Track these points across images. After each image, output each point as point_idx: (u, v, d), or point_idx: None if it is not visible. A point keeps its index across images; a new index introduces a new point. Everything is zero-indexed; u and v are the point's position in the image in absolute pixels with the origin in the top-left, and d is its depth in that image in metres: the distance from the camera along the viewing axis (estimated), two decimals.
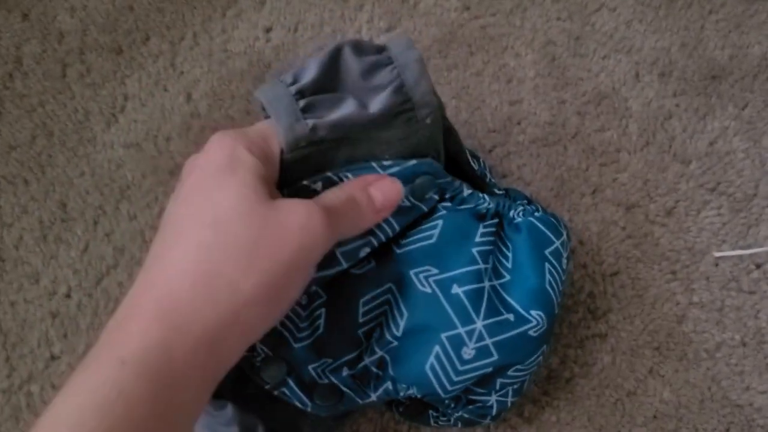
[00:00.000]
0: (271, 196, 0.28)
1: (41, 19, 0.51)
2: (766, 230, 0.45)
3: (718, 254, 0.44)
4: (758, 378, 0.42)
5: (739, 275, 0.44)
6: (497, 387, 0.35)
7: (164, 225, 0.29)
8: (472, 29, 0.51)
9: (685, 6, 0.51)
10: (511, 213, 0.36)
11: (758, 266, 0.44)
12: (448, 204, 0.34)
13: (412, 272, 0.33)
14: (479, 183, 0.37)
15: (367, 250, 0.32)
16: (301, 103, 0.30)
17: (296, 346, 0.32)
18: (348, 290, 0.33)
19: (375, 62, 0.31)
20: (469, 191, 0.35)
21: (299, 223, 0.27)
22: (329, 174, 0.31)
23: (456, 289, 0.33)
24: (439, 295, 0.33)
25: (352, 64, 0.31)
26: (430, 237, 0.34)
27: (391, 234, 0.33)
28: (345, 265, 0.32)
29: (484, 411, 0.36)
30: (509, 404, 0.36)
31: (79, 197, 0.46)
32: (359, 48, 0.31)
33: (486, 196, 0.35)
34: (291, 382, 0.32)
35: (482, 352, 0.33)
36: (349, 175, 0.31)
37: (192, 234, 0.27)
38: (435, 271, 0.33)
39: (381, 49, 0.31)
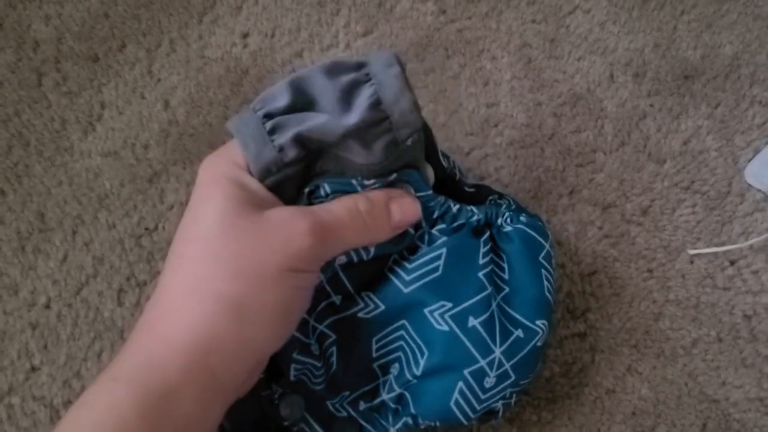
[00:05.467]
0: (262, 204, 0.28)
1: (15, 27, 0.51)
2: (740, 227, 0.45)
3: (693, 252, 0.45)
4: (734, 373, 0.42)
5: (714, 272, 0.45)
6: (507, 395, 0.35)
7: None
8: (449, 33, 0.51)
9: (657, 7, 0.52)
10: (499, 221, 0.35)
11: (732, 263, 0.45)
12: (443, 225, 0.34)
13: (426, 311, 0.33)
14: (449, 181, 0.37)
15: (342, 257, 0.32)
16: (269, 125, 0.28)
17: (313, 388, 0.33)
18: (358, 331, 0.33)
19: (352, 81, 0.29)
20: (457, 206, 0.34)
21: (284, 232, 0.27)
22: (308, 188, 0.30)
23: (472, 322, 0.33)
24: (458, 332, 0.33)
25: (326, 86, 0.29)
26: (435, 269, 0.33)
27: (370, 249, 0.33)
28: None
29: (489, 416, 0.37)
30: (512, 404, 0.37)
31: (57, 207, 0.46)
32: (333, 69, 0.29)
33: (474, 209, 0.35)
34: (309, 418, 0.33)
35: (502, 377, 0.33)
36: (326, 185, 0.30)
37: (181, 251, 0.28)
38: (449, 305, 0.33)
39: (360, 66, 0.29)
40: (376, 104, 0.28)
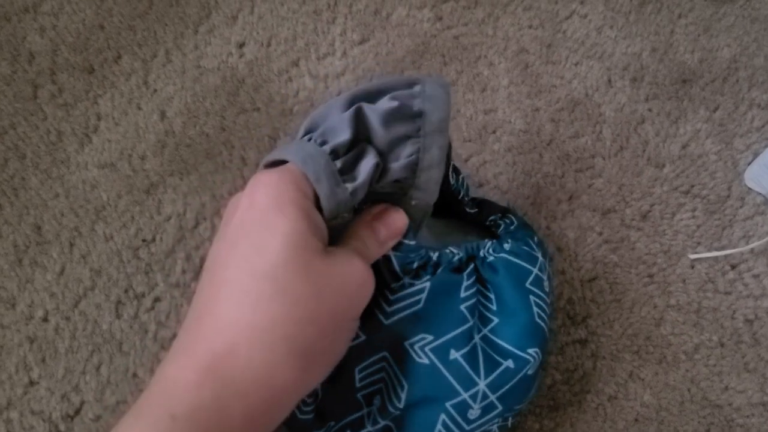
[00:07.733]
0: (324, 240, 0.27)
1: (10, 40, 0.50)
2: (740, 231, 0.45)
3: (693, 256, 0.45)
4: (736, 378, 0.42)
5: (714, 277, 0.44)
6: (500, 422, 0.35)
7: (210, 268, 0.27)
8: (445, 39, 0.51)
9: (654, 11, 0.52)
10: (482, 252, 0.35)
11: (733, 267, 0.44)
12: (425, 275, 0.33)
13: (407, 343, 0.33)
14: (452, 199, 0.37)
15: None
16: (338, 164, 0.28)
17: (302, 418, 0.32)
18: (341, 359, 0.33)
19: (403, 134, 0.29)
20: (436, 254, 0.33)
21: (358, 281, 0.27)
22: None
23: (454, 354, 0.32)
24: (438, 365, 0.32)
25: (380, 132, 0.29)
26: (417, 302, 0.33)
27: None
28: None
29: None
30: (509, 425, 0.37)
31: (54, 219, 0.46)
32: (390, 118, 0.29)
33: (454, 249, 0.34)
34: None
35: (487, 408, 0.33)
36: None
37: (246, 284, 0.25)
38: (430, 338, 0.33)
39: (416, 116, 0.29)
40: (412, 165, 0.29)
